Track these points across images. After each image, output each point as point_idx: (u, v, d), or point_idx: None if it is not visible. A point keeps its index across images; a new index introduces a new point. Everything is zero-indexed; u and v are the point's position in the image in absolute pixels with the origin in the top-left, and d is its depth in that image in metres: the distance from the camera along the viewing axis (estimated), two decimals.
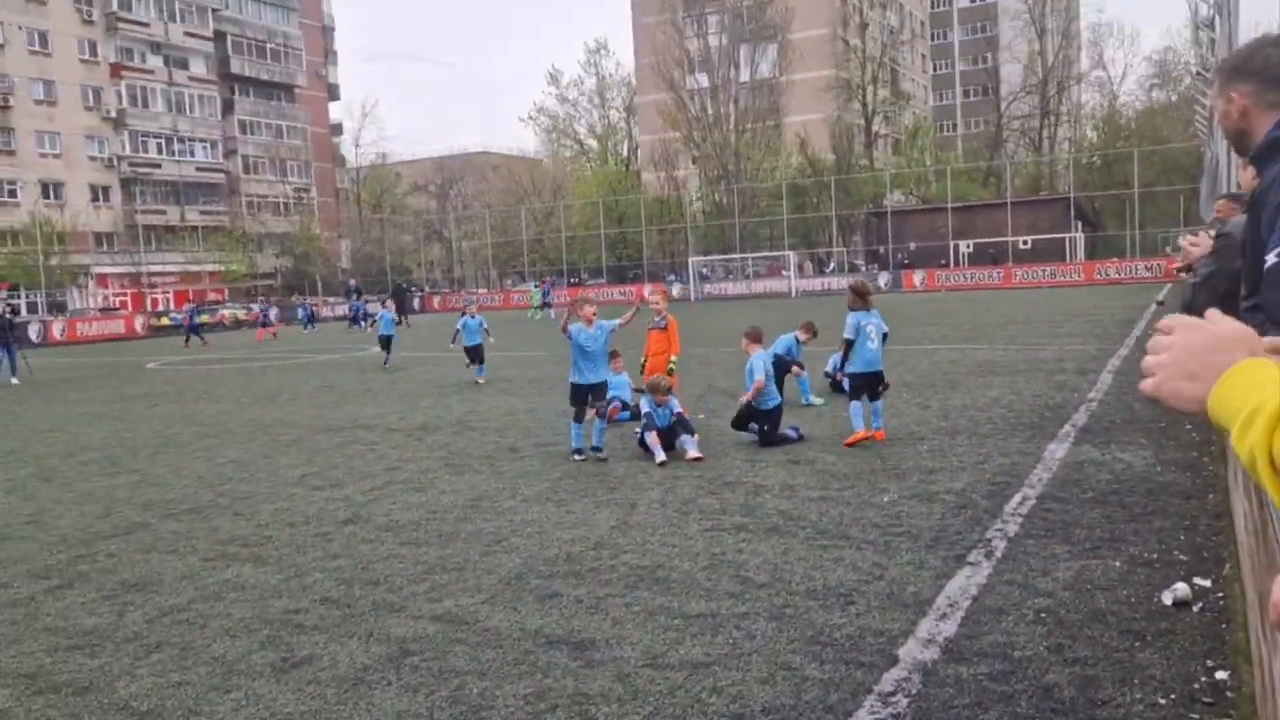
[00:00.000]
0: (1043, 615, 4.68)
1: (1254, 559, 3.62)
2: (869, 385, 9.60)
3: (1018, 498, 6.95)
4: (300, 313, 43.98)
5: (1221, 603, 4.71)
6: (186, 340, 34.96)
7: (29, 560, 6.77)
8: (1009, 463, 8.11)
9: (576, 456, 9.29)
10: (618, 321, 9.65)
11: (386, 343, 20.74)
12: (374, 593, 5.61)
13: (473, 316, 17.05)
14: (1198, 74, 39.10)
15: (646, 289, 54.56)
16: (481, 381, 16.34)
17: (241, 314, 52.58)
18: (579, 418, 9.37)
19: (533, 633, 4.83)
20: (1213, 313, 1.24)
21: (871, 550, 5.89)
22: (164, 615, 5.41)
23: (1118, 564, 5.37)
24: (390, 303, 23.98)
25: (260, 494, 8.64)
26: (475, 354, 16.75)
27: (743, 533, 6.44)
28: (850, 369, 9.63)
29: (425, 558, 6.28)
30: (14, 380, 21.52)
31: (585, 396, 9.35)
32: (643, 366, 11.11)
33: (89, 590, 5.97)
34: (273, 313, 42.86)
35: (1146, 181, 54.05)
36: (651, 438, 9.13)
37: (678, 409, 9.39)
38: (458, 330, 17.11)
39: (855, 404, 9.49)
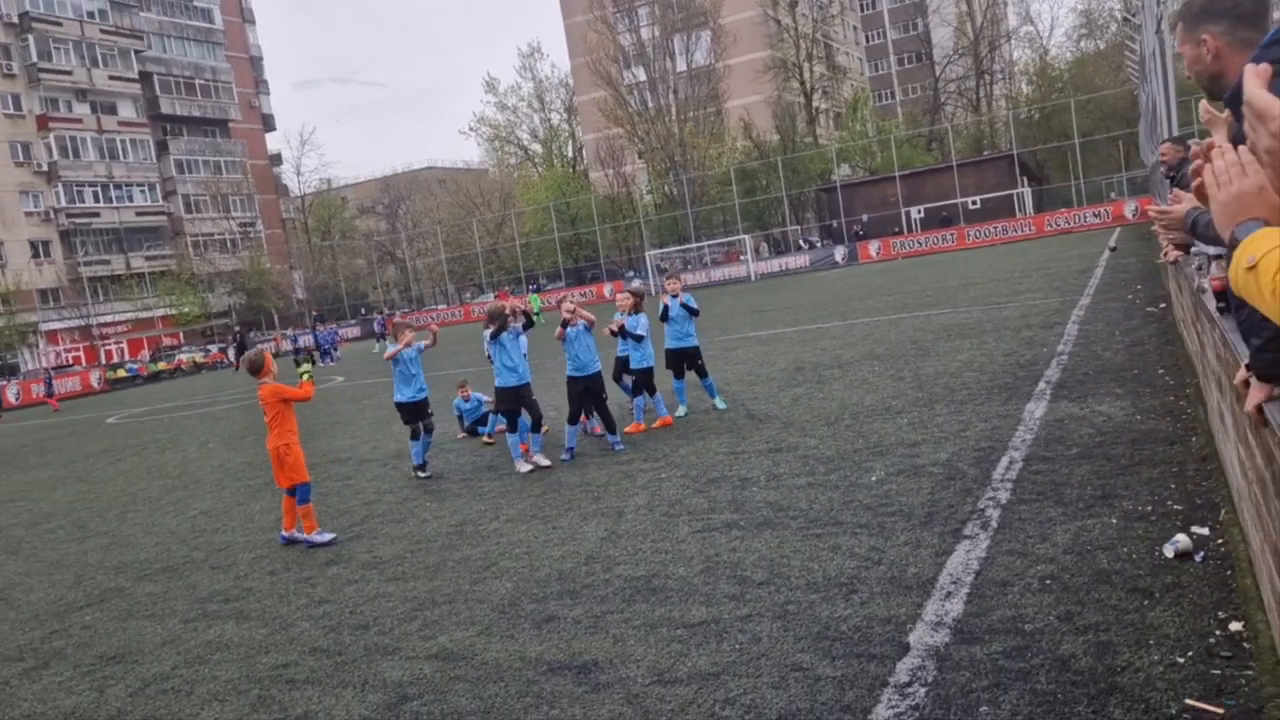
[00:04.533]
0: (1048, 583, 4.61)
1: (1260, 508, 3.55)
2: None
3: (1004, 462, 6.90)
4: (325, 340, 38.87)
5: (1223, 549, 4.66)
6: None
7: (0, 642, 6.50)
8: (990, 427, 8.07)
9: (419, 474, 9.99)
10: (423, 344, 10.42)
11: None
12: (365, 637, 5.43)
13: (466, 399, 12.59)
14: (1125, 19, 39.57)
15: (607, 289, 54.39)
16: (490, 440, 11.76)
17: (200, 357, 51.75)
18: (416, 434, 10.04)
19: (533, 661, 4.69)
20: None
21: (866, 534, 5.80)
22: (147, 686, 5.19)
23: (1114, 520, 5.32)
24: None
25: (237, 544, 8.40)
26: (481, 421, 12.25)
27: (734, 530, 6.33)
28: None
29: (414, 593, 6.10)
30: None
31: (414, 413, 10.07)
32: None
33: (66, 668, 5.73)
34: (232, 351, 41.48)
35: (1085, 131, 54.72)
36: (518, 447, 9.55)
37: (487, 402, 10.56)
38: (459, 416, 12.69)
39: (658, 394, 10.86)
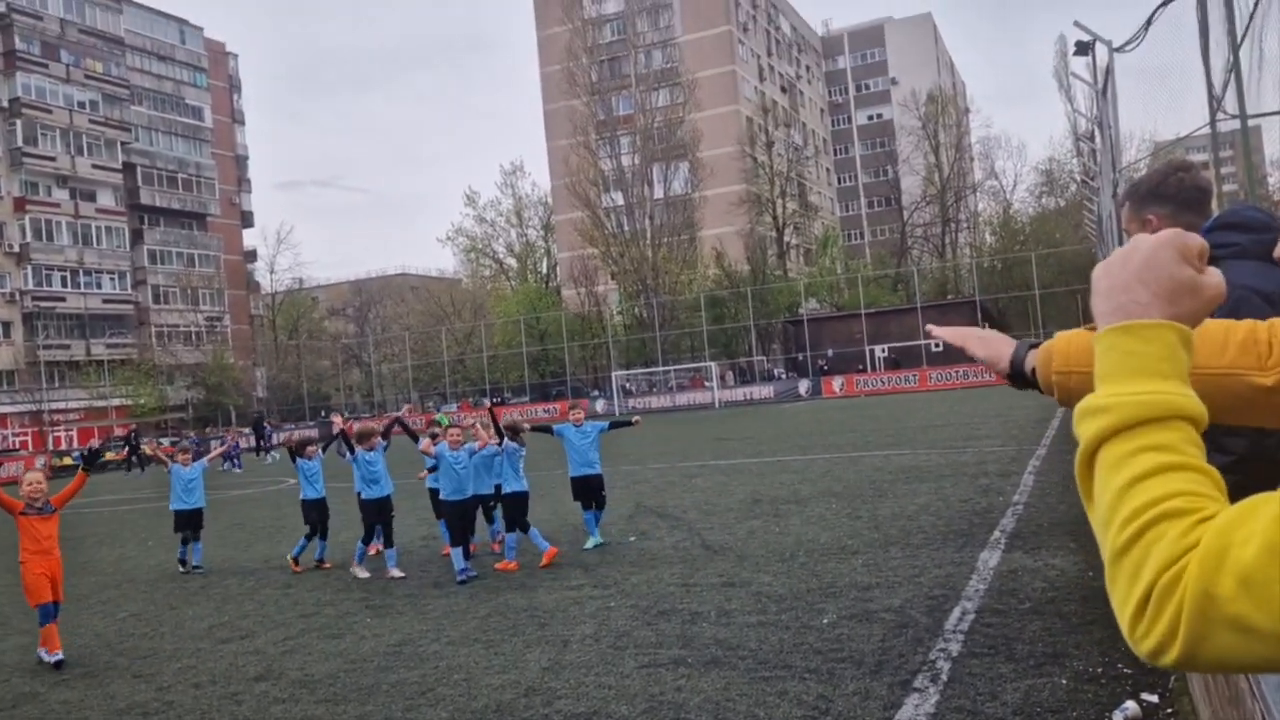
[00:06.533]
0: None
1: (1207, 680, 3.52)
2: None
3: (957, 612, 6.83)
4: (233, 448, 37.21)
5: (1171, 718, 4.60)
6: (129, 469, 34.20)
7: None
8: (944, 574, 8.02)
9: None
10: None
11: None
12: None
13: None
14: (1083, 181, 41.47)
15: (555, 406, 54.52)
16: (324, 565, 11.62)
17: (150, 449, 50.61)
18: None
19: None
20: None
21: (814, 680, 5.67)
22: None
23: (1064, 681, 5.24)
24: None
25: (164, 651, 8.04)
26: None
27: (681, 667, 6.16)
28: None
29: (343, 717, 5.84)
30: None
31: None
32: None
33: None
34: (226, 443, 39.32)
35: (1045, 282, 56.52)
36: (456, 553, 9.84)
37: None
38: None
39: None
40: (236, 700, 6.40)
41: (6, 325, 61.38)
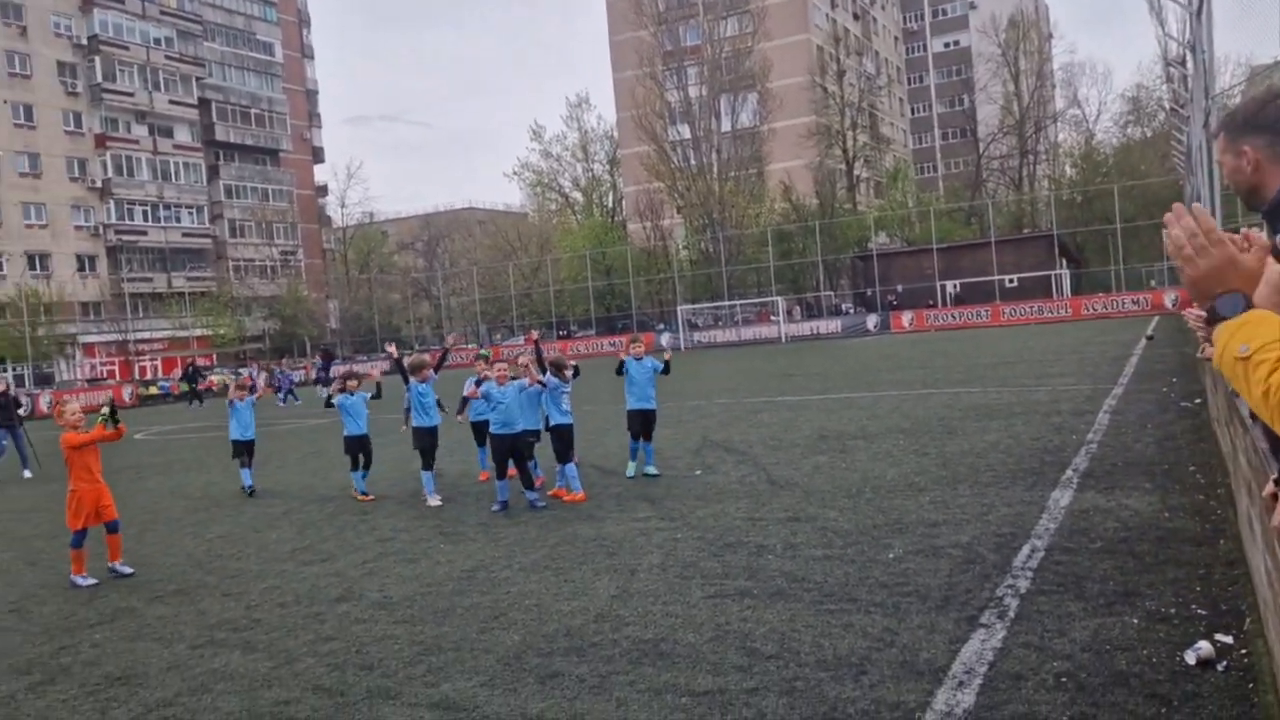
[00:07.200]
0: (1063, 680, 4.51)
1: None
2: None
3: (1026, 550, 6.80)
4: (282, 381, 38.28)
5: (1246, 660, 4.55)
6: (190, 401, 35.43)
7: (11, 654, 6.54)
8: (1013, 512, 7.96)
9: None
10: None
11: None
12: (368, 678, 5.41)
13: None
14: (1172, 110, 39.66)
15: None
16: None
17: (231, 379, 52.24)
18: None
19: (534, 718, 4.64)
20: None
21: (880, 613, 5.72)
22: (150, 712, 5.19)
23: (1135, 620, 5.21)
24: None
25: (250, 571, 8.42)
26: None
27: (747, 598, 6.26)
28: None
29: (421, 637, 6.07)
30: (26, 473, 18.18)
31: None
32: None
33: (72, 685, 5.75)
34: (260, 377, 40.75)
35: (1128, 216, 54.56)
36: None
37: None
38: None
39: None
40: (319, 619, 6.69)
41: (92, 259, 63.45)
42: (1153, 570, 6.08)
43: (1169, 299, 43.75)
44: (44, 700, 5.54)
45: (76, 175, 62.74)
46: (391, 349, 12.93)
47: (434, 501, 10.91)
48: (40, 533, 11.47)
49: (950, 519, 7.95)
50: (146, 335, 63.26)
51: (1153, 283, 55.88)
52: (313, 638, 6.28)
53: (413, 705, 4.94)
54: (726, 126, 68.54)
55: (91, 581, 8.42)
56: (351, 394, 12.16)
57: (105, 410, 8.95)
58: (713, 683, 4.87)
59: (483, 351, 13.28)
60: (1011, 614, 5.48)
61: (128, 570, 8.67)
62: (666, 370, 11.73)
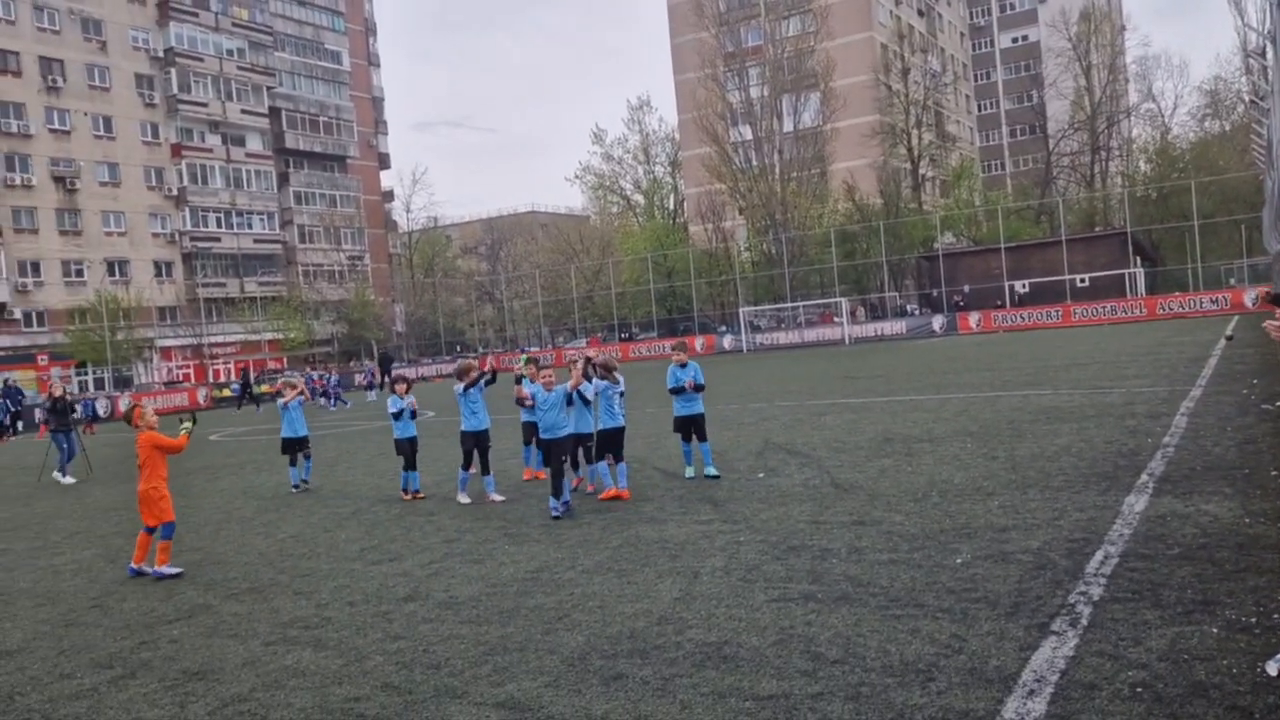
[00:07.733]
0: (1139, 690, 4.40)
1: None
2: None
3: (1099, 556, 6.63)
4: (329, 385, 38.16)
5: None
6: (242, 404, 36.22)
7: (93, 648, 6.77)
8: (1086, 518, 7.78)
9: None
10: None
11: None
12: (435, 677, 5.48)
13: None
14: (1252, 102, 38.38)
15: (699, 341, 54.46)
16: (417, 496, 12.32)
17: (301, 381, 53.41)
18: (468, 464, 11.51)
19: (599, 719, 4.66)
20: None
21: (948, 619, 5.63)
22: (226, 706, 5.33)
23: (1214, 630, 5.05)
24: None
25: (320, 570, 8.60)
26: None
27: (811, 602, 6.21)
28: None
29: (486, 637, 6.15)
30: (65, 479, 17.74)
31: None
32: None
33: (151, 680, 5.93)
34: (332, 379, 41.39)
35: (1206, 213, 52.96)
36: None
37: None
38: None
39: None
40: (388, 618, 6.81)
41: (169, 265, 65.46)
42: (1232, 578, 5.89)
43: (1249, 298, 42.31)
44: (125, 694, 5.73)
45: (153, 184, 64.81)
46: (486, 362, 13.29)
47: (463, 499, 11.47)
48: (120, 530, 11.85)
49: (1020, 524, 7.80)
50: (220, 339, 65.07)
51: (1232, 281, 54.12)
52: (381, 636, 6.39)
53: (479, 704, 5.00)
54: (789, 127, 68.14)
55: (178, 570, 8.86)
56: (400, 397, 12.26)
57: (188, 423, 9.55)
58: (777, 687, 4.85)
59: (522, 358, 13.51)
60: (1084, 621, 5.35)
61: (172, 572, 8.96)
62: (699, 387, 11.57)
